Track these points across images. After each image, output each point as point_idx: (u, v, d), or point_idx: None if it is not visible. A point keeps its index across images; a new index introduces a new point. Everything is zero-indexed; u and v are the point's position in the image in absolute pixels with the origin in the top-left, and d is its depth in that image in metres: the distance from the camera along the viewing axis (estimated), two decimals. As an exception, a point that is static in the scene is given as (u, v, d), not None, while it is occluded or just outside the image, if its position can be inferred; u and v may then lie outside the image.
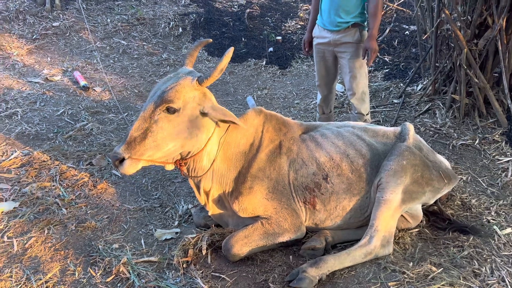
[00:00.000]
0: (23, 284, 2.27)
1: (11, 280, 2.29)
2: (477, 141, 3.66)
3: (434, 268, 2.30)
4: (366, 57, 3.24)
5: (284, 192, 2.50)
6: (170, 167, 2.38)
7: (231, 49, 2.20)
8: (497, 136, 3.65)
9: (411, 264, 2.36)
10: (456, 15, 3.94)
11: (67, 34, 6.40)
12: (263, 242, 2.44)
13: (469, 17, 3.87)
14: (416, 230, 2.67)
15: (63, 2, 7.03)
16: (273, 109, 4.68)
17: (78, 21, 6.70)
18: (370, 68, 5.57)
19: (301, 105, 4.93)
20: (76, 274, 2.35)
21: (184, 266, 2.36)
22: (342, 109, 4.67)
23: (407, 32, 6.36)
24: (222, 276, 2.31)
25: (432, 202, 2.68)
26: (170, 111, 2.19)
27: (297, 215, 2.49)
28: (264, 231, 2.44)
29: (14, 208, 2.87)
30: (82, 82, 4.95)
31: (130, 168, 2.18)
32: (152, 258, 2.47)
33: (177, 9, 7.38)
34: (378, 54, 5.88)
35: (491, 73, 3.92)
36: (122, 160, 2.17)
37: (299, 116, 4.63)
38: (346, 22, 3.28)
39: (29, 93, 4.67)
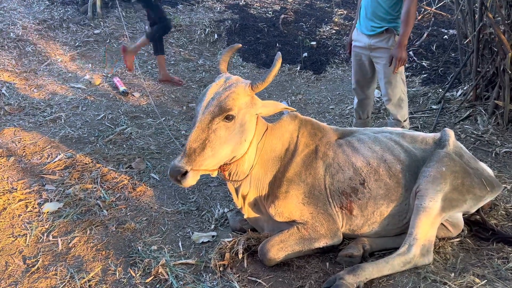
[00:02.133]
0: (67, 282, 2.35)
1: (56, 278, 2.39)
2: (522, 149, 3.52)
3: (477, 280, 2.22)
4: (392, 65, 3.19)
5: (320, 197, 2.49)
6: (215, 173, 2.39)
7: (280, 55, 2.27)
8: (543, 143, 3.51)
9: (452, 274, 2.29)
10: (499, 18, 3.82)
11: (108, 41, 6.62)
12: (299, 247, 2.43)
13: (513, 20, 3.74)
14: (457, 239, 2.59)
15: (104, 11, 7.28)
16: (307, 114, 4.66)
17: (118, 29, 6.91)
18: (407, 74, 5.46)
19: (336, 110, 4.89)
20: (117, 274, 2.42)
21: (220, 269, 2.39)
22: (379, 114, 4.61)
23: (445, 36, 6.20)
24: (259, 280, 2.32)
25: (474, 210, 2.59)
26: (229, 119, 2.22)
27: (333, 220, 2.47)
28: (300, 236, 2.43)
29: (59, 208, 2.99)
30: (122, 88, 5.11)
31: (192, 180, 2.19)
32: (190, 261, 2.51)
33: (213, 16, 7.50)
34: (415, 59, 5.77)
35: (537, 78, 3.77)
36: (183, 174, 2.16)
37: (334, 122, 4.59)
38: (380, 27, 3.25)
39: (72, 98, 4.86)
